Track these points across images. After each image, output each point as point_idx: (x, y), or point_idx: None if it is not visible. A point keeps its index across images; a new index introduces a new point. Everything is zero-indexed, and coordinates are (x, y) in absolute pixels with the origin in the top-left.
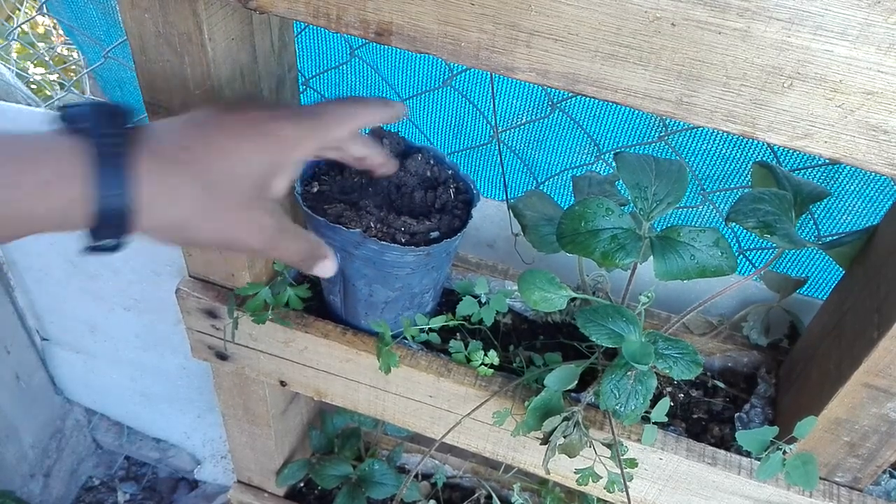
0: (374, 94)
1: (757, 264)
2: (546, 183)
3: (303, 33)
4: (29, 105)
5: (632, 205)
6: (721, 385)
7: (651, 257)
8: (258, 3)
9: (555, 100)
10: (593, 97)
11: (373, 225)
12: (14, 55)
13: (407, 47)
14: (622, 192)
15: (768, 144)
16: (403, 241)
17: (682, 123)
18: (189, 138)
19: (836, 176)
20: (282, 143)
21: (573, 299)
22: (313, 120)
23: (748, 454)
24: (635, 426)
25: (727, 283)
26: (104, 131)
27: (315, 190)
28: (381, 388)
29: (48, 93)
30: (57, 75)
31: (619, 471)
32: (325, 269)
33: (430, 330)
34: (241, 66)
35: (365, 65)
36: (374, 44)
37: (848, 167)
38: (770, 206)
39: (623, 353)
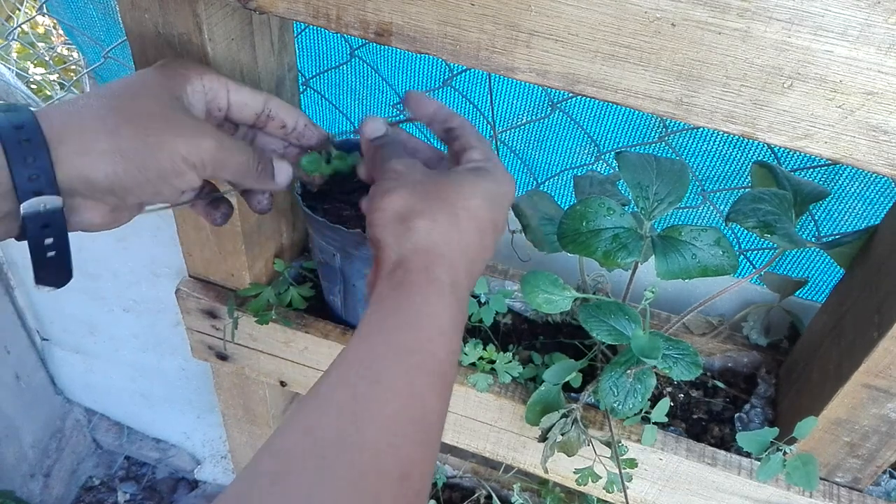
0: (374, 95)
1: (757, 264)
2: (546, 183)
3: (303, 33)
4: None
5: (633, 204)
6: (721, 385)
7: (652, 257)
8: (258, 3)
9: (555, 100)
10: (593, 97)
11: None
12: (14, 55)
13: (407, 48)
14: (623, 191)
15: (768, 145)
16: None
17: (681, 123)
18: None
19: (837, 177)
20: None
21: (575, 299)
22: None
23: (748, 454)
24: (635, 426)
25: (727, 284)
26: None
27: (315, 190)
28: None
29: (48, 93)
30: (57, 75)
31: (618, 471)
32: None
33: None
34: (241, 66)
35: (365, 65)
36: (374, 44)
37: (848, 167)
38: (770, 206)
39: (632, 348)
